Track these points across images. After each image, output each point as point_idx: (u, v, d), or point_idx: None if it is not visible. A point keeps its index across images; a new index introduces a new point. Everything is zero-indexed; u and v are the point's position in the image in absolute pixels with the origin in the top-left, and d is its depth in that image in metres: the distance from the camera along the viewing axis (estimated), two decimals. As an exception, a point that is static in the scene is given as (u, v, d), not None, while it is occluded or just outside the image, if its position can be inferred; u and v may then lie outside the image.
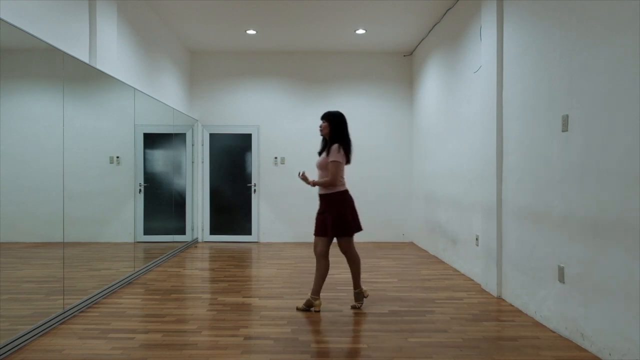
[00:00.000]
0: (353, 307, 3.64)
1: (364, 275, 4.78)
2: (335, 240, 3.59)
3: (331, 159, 3.41)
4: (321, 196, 3.55)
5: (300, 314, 3.47)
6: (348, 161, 3.54)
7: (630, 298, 2.43)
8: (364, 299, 3.73)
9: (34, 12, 3.29)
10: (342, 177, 3.53)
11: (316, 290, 3.54)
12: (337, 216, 3.46)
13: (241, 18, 5.73)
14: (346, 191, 3.54)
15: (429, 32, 6.21)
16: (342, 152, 3.43)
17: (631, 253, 2.42)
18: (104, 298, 3.87)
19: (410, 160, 7.31)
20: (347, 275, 4.80)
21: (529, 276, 3.48)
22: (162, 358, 2.66)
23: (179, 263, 5.47)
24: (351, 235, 3.57)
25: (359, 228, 3.59)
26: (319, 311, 3.53)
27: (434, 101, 6.05)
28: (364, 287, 3.93)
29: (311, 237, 7.09)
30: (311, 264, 5.37)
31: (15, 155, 2.94)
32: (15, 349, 2.73)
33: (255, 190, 7.26)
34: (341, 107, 7.20)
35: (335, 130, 3.51)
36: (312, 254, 6.04)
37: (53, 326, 3.13)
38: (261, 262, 5.59)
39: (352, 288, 4.23)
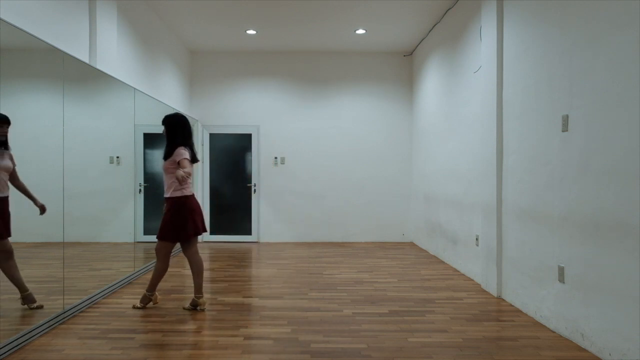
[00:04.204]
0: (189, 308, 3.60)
1: (364, 276, 4.78)
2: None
3: (179, 158, 3.40)
4: (167, 199, 3.52)
5: (300, 314, 3.47)
6: (194, 160, 3.58)
7: (630, 298, 2.43)
8: (194, 307, 3.59)
9: (34, 12, 3.29)
10: (188, 182, 3.55)
11: (152, 287, 3.60)
12: (178, 221, 3.50)
13: (241, 18, 5.73)
14: (192, 196, 3.58)
15: (429, 32, 6.21)
16: (186, 151, 3.47)
17: (631, 253, 2.42)
18: (104, 298, 3.87)
19: (410, 161, 7.31)
20: (347, 275, 4.81)
21: (529, 276, 3.48)
22: (162, 358, 2.66)
23: (179, 263, 5.46)
24: (188, 240, 3.60)
25: (197, 232, 3.59)
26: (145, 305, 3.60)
27: (434, 101, 6.05)
28: (205, 296, 3.90)
29: (311, 237, 7.23)
30: (312, 264, 5.38)
31: (16, 155, 2.94)
32: (15, 349, 2.73)
33: (255, 190, 7.26)
34: (341, 107, 7.30)
35: (171, 132, 3.55)
36: (312, 254, 6.07)
37: (53, 326, 3.13)
38: (261, 262, 5.59)
39: (351, 288, 4.25)
